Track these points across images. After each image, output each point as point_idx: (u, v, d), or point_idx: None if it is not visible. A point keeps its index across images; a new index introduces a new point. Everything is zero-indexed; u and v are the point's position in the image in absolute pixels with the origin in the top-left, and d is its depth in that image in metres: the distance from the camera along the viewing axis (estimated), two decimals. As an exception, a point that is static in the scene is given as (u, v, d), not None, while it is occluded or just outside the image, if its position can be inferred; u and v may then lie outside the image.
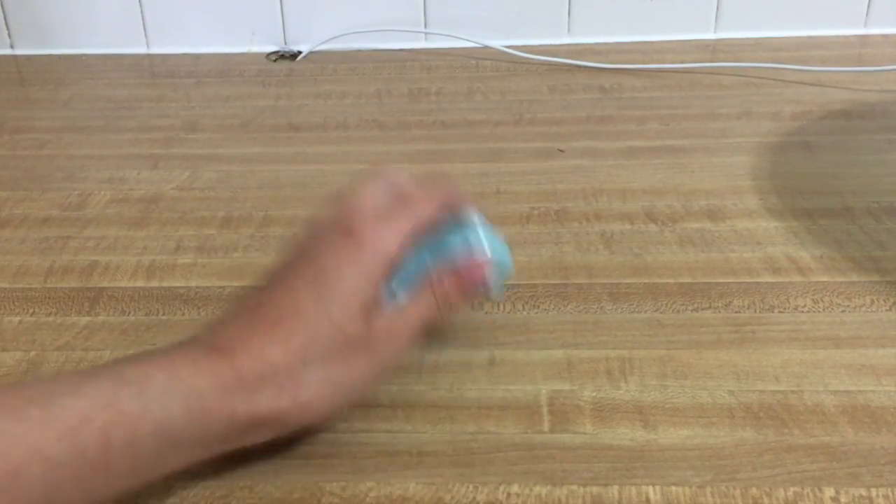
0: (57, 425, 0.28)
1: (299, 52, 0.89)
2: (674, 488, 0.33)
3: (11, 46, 0.93)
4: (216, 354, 0.32)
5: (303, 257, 0.36)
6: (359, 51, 0.90)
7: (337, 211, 0.37)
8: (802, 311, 0.44)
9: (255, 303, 0.35)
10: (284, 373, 0.33)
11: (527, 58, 0.84)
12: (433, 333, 0.40)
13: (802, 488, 0.33)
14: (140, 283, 0.48)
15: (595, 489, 0.33)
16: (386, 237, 0.35)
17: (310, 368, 0.33)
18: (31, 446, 0.27)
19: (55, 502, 0.28)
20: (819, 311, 0.44)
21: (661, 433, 0.36)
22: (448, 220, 0.40)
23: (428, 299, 0.37)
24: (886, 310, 0.44)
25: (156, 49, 0.92)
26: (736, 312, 0.44)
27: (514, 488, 0.33)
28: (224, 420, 0.31)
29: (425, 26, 0.89)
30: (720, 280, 0.46)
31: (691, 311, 0.44)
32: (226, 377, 0.32)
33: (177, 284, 0.48)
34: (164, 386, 0.30)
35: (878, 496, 0.32)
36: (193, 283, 0.48)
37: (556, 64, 0.83)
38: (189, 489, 0.34)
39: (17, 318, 0.45)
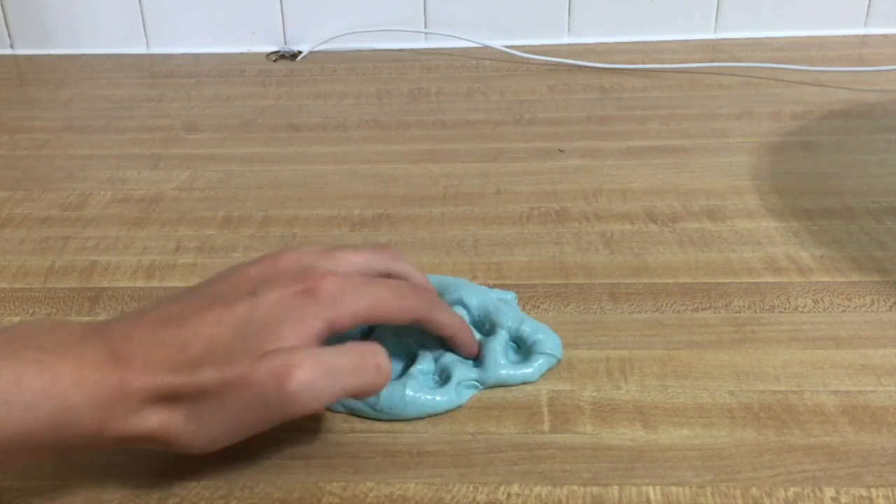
0: None
1: (299, 52, 0.89)
2: (674, 488, 0.33)
3: (11, 46, 0.93)
4: (110, 364, 0.30)
5: (249, 291, 0.33)
6: (359, 51, 0.90)
7: (306, 260, 0.35)
8: (802, 311, 0.44)
9: (179, 314, 0.33)
10: (172, 398, 0.31)
11: (527, 58, 0.84)
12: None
13: (803, 488, 0.33)
14: (140, 283, 0.48)
15: (595, 489, 0.33)
16: (348, 303, 0.34)
17: (203, 401, 0.31)
18: None
19: None
20: (819, 311, 0.44)
21: (661, 433, 0.36)
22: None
23: (358, 368, 0.33)
24: (887, 310, 0.44)
25: (156, 49, 0.92)
26: (736, 312, 0.44)
27: (515, 488, 0.33)
28: (89, 435, 0.30)
29: (425, 26, 0.89)
30: (720, 280, 0.46)
31: (691, 311, 0.44)
32: (109, 393, 0.30)
33: (177, 284, 0.48)
34: (35, 398, 0.29)
35: (878, 496, 0.32)
36: (194, 283, 0.48)
37: (556, 64, 0.83)
38: (189, 489, 0.34)
39: (17, 319, 0.45)
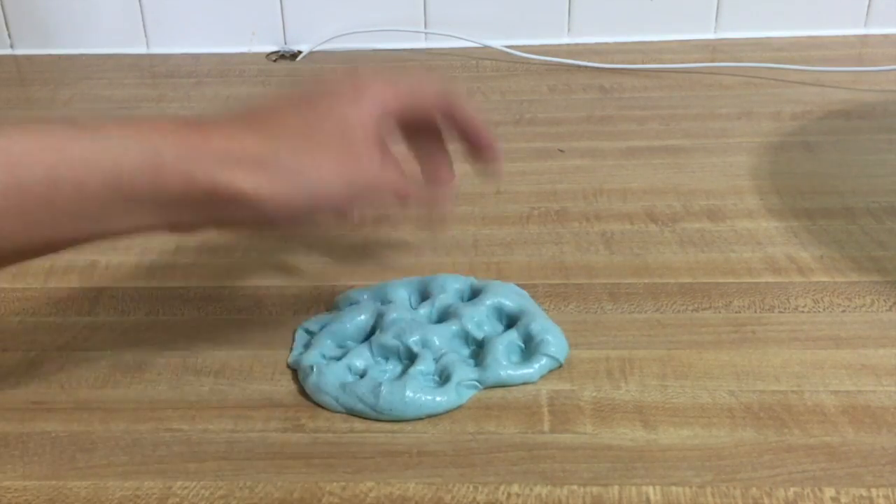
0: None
1: (299, 52, 0.89)
2: (674, 488, 0.33)
3: (11, 46, 0.93)
4: (187, 129, 0.33)
5: (300, 94, 0.37)
6: (359, 51, 0.90)
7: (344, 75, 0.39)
8: (802, 311, 0.44)
9: (240, 111, 0.36)
10: (254, 157, 0.33)
11: (527, 58, 0.84)
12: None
13: (803, 488, 0.33)
14: (140, 283, 0.48)
15: (595, 489, 0.33)
16: (387, 93, 0.37)
17: (281, 159, 0.33)
18: None
19: None
20: (819, 311, 0.44)
21: (661, 433, 0.36)
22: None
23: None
24: (886, 310, 0.44)
25: (156, 49, 0.92)
26: (736, 312, 0.44)
27: (515, 488, 0.33)
28: (180, 183, 0.31)
29: (425, 26, 0.89)
30: (720, 280, 0.46)
31: (691, 311, 0.44)
32: (191, 144, 0.32)
33: (177, 284, 0.48)
34: (120, 138, 0.30)
35: (878, 496, 0.32)
36: (193, 283, 0.48)
37: (556, 64, 0.83)
38: (189, 489, 0.34)
39: (17, 318, 0.45)
